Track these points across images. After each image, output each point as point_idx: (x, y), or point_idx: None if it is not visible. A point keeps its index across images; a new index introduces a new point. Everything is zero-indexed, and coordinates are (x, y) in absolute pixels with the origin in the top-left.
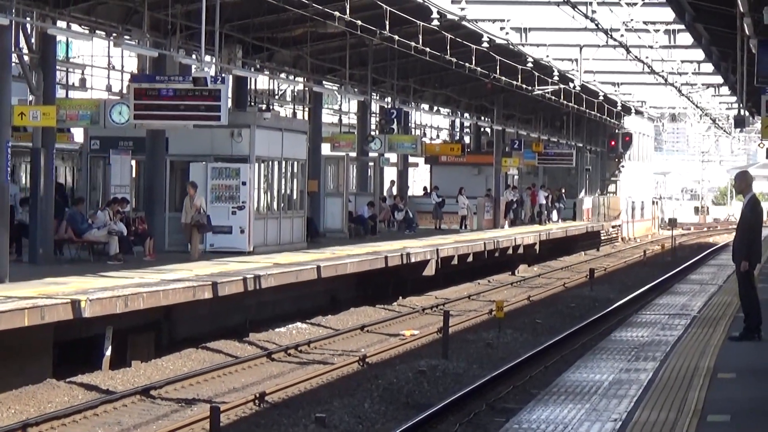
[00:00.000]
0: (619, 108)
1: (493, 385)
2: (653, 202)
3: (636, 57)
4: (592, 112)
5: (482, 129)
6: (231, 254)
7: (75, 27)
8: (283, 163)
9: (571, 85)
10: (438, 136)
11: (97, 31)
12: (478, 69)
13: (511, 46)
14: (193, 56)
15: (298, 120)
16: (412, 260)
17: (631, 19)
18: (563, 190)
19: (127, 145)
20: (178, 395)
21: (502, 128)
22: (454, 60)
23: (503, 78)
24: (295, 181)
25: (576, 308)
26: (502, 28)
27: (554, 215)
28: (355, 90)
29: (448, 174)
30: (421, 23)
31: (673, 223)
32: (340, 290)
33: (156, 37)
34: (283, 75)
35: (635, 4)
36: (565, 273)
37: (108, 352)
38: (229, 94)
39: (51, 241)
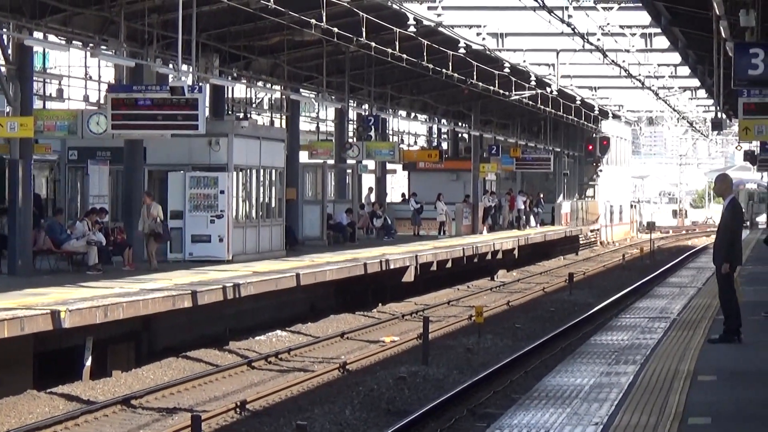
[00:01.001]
0: (597, 112)
1: (474, 390)
2: (631, 206)
3: (613, 61)
4: (570, 117)
5: (460, 135)
6: (210, 263)
7: (52, 38)
8: (261, 171)
9: (548, 89)
10: (416, 143)
11: (73, 42)
12: (455, 75)
13: (487, 52)
14: (170, 66)
15: (275, 128)
16: (391, 267)
17: (608, 23)
18: (541, 195)
19: (105, 155)
20: (159, 404)
21: (480, 134)
22: (431, 66)
23: (480, 84)
24: (273, 189)
25: (556, 313)
26: (478, 34)
27: (532, 220)
28: (333, 97)
29: (427, 180)
30: (398, 30)
31: (651, 227)
32: (320, 298)
33: (133, 47)
34: (260, 83)
35: (611, 8)
36: (544, 278)
37: (88, 363)
38: (207, 103)
39: (30, 252)
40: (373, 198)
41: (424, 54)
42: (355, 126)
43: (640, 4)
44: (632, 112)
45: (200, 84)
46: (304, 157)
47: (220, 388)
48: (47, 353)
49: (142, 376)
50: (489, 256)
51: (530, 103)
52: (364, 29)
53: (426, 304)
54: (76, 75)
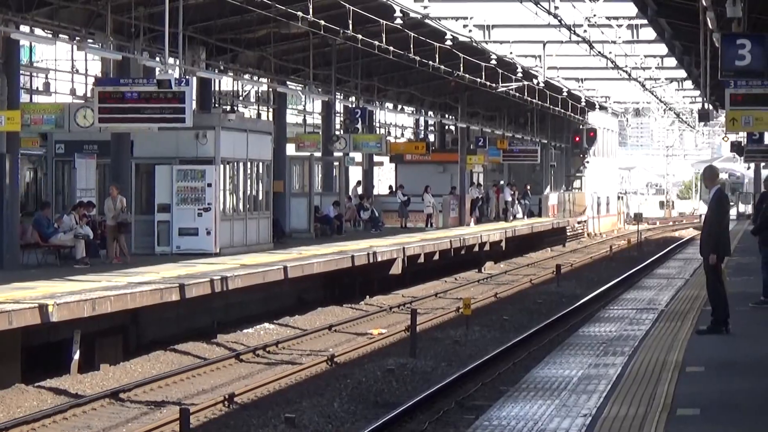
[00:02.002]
0: (583, 104)
1: (462, 382)
2: (618, 197)
3: (599, 52)
4: (557, 109)
5: (447, 127)
6: (197, 256)
7: (38, 31)
8: (249, 164)
9: (535, 81)
10: (403, 135)
11: (60, 35)
12: (442, 67)
13: (474, 44)
14: (157, 59)
15: (262, 121)
16: (379, 259)
17: (594, 15)
18: (528, 187)
19: (92, 148)
20: (148, 398)
21: (467, 126)
22: (417, 58)
23: (467, 75)
24: (260, 182)
25: (543, 304)
26: (465, 26)
27: (518, 211)
28: (319, 90)
29: (414, 172)
30: (384, 22)
31: (638, 218)
32: (308, 290)
33: (119, 40)
34: (247, 76)
35: None
36: (531, 269)
37: (76, 356)
38: (194, 96)
39: (17, 246)
40: (360, 190)
41: (411, 46)
42: (342, 118)
43: None
44: (619, 103)
45: (187, 77)
46: (291, 149)
47: (209, 381)
48: (35, 347)
49: (130, 370)
50: (476, 248)
51: (517, 94)
52: (350, 21)
53: (413, 296)
54: (63, 68)
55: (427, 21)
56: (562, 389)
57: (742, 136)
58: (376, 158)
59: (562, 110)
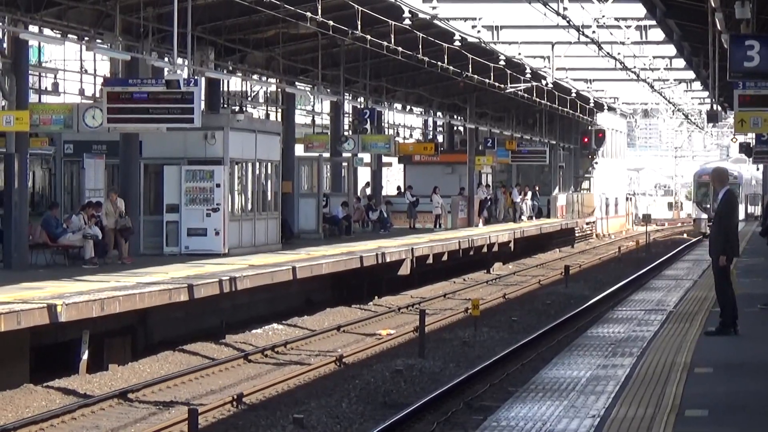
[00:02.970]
0: (592, 105)
1: (471, 383)
2: (627, 199)
3: (608, 53)
4: (565, 109)
5: (455, 128)
6: (206, 256)
7: (47, 31)
8: (257, 164)
9: (544, 82)
10: (411, 136)
11: (69, 35)
12: (451, 68)
13: (483, 45)
14: (166, 59)
15: (271, 121)
16: (387, 260)
17: (603, 16)
18: (537, 188)
19: (101, 148)
20: (156, 398)
21: (475, 127)
22: (426, 59)
23: (475, 76)
24: (269, 182)
25: (552, 305)
26: (473, 27)
27: (525, 210)
28: (328, 90)
29: (422, 173)
30: (393, 23)
31: (647, 219)
32: (316, 291)
33: (128, 41)
34: (255, 76)
35: (606, 0)
36: (540, 270)
37: (85, 356)
38: (202, 97)
39: (26, 246)
40: (368, 191)
41: (420, 47)
42: (350, 119)
43: None
44: (627, 104)
45: (196, 77)
46: (299, 150)
47: (217, 382)
48: (44, 347)
49: (138, 370)
50: (485, 249)
51: (525, 95)
52: (359, 22)
53: (422, 297)
54: (72, 69)
55: (435, 22)
56: (570, 390)
57: (750, 138)
58: (384, 159)
59: (571, 111)
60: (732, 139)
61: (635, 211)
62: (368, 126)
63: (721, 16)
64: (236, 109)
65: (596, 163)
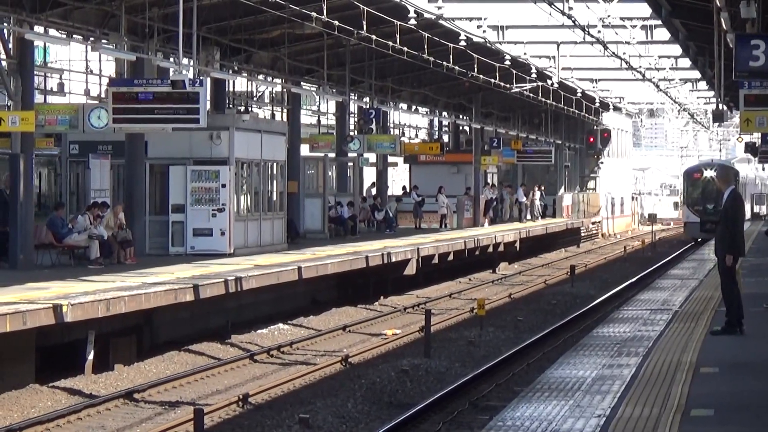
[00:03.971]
0: (597, 104)
1: (476, 383)
2: (632, 198)
3: (613, 53)
4: (571, 109)
5: (461, 127)
6: (211, 256)
7: (52, 32)
8: (263, 164)
9: (549, 82)
10: (417, 136)
11: (74, 36)
12: (456, 68)
13: (488, 45)
14: (171, 59)
15: (276, 121)
16: (393, 260)
17: (608, 15)
18: (542, 187)
19: (106, 149)
20: (162, 398)
21: (481, 126)
22: (431, 59)
23: (481, 76)
24: (274, 182)
25: (557, 305)
26: (479, 27)
27: (535, 210)
28: (334, 90)
29: (428, 173)
30: (398, 23)
31: (652, 219)
32: (322, 291)
33: (133, 41)
34: (261, 77)
35: (612, 0)
36: (545, 270)
37: (90, 356)
38: (208, 97)
39: (31, 247)
40: (374, 191)
41: (425, 47)
42: (356, 119)
43: None
44: (633, 104)
45: (201, 77)
46: (305, 150)
47: (223, 382)
48: (49, 347)
49: (144, 370)
50: (490, 249)
51: (531, 95)
52: (364, 22)
53: (428, 296)
54: (77, 69)
55: (441, 22)
56: (576, 390)
57: (756, 137)
58: (390, 159)
59: (576, 111)
60: (738, 139)
61: (641, 211)
62: (374, 126)
63: (726, 15)
64: (242, 110)
65: (602, 162)
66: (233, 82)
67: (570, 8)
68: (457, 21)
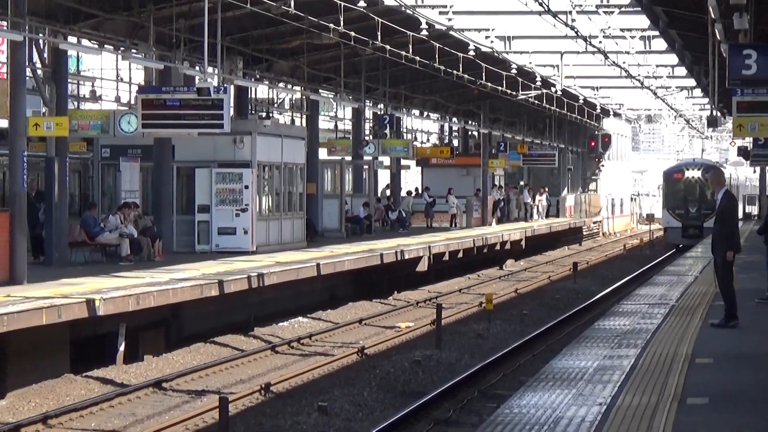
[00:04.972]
0: (599, 111)
1: (485, 373)
2: (632, 199)
3: (614, 62)
4: (573, 115)
5: (470, 132)
6: (235, 254)
7: (85, 42)
8: (283, 167)
9: (553, 89)
10: (428, 140)
11: (105, 46)
12: (465, 76)
13: (496, 54)
14: (197, 68)
15: (296, 127)
16: (406, 257)
17: (609, 27)
18: (546, 189)
19: (136, 152)
20: (189, 387)
21: (489, 131)
22: (442, 68)
23: (489, 84)
24: (294, 184)
25: (561, 300)
26: (487, 37)
27: (535, 214)
28: (350, 97)
29: (439, 175)
30: (411, 33)
31: (650, 218)
32: (339, 286)
33: (161, 51)
34: (281, 84)
35: (612, 12)
36: (550, 267)
37: (121, 348)
38: (231, 103)
39: (66, 245)
40: (388, 193)
41: (436, 56)
42: (371, 124)
43: (640, 9)
44: (632, 110)
45: (225, 85)
46: (323, 153)
47: (246, 372)
48: (83, 339)
49: (172, 361)
50: (498, 247)
51: (536, 102)
52: (379, 33)
53: (439, 292)
54: (108, 77)
55: (451, 33)
56: (578, 379)
57: (748, 142)
58: (403, 162)
59: (579, 117)
60: (731, 143)
61: (639, 211)
62: (388, 131)
63: (720, 26)
64: (263, 115)
65: (603, 165)
66: (255, 90)
67: (573, 20)
68: (466, 32)
